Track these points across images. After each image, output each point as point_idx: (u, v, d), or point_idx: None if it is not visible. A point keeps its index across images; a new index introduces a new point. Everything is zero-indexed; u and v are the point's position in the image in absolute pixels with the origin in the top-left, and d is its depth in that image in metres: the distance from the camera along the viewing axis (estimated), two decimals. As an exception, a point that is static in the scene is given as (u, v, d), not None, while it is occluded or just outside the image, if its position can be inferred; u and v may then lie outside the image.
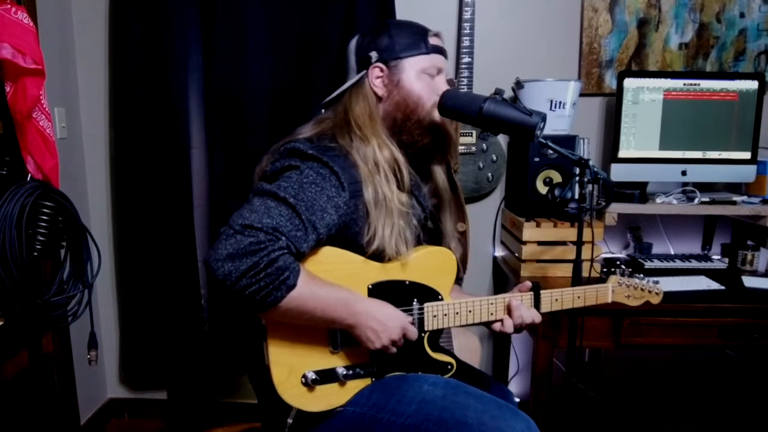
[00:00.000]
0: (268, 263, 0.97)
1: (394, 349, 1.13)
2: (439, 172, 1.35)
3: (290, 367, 1.11)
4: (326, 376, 1.14)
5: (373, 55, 1.22)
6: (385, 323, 1.11)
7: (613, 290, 1.35)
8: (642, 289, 1.38)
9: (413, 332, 1.16)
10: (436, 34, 1.27)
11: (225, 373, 2.20)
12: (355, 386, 1.18)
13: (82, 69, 2.13)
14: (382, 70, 1.23)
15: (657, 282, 1.41)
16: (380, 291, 1.17)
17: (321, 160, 1.10)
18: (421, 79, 1.22)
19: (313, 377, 1.12)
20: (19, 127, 1.54)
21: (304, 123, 1.26)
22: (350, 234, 1.15)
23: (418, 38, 1.23)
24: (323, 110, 1.31)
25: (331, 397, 1.15)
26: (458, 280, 1.49)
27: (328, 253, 1.13)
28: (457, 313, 1.22)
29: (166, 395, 2.34)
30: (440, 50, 1.26)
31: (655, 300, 1.41)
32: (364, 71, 1.23)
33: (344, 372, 1.15)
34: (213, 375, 2.18)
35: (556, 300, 1.30)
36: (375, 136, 1.18)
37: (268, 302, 1.00)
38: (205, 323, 2.13)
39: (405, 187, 1.20)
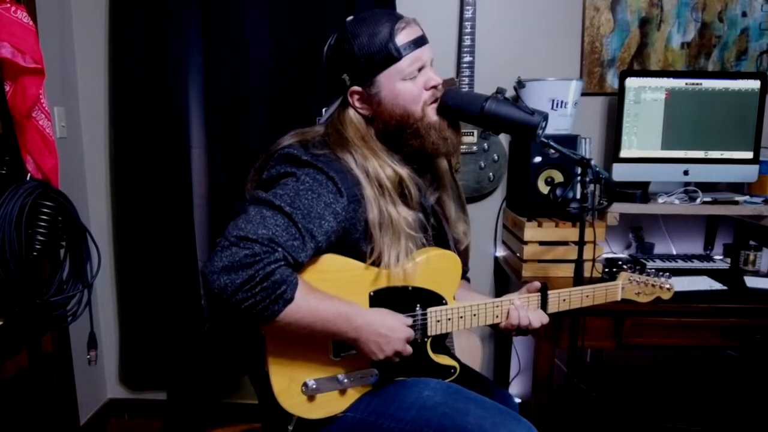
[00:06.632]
0: (264, 276, 0.94)
1: (398, 359, 1.12)
2: (439, 162, 1.30)
3: (290, 376, 1.10)
4: (327, 384, 1.12)
5: (346, 78, 1.14)
6: (388, 335, 1.08)
7: (623, 287, 1.32)
8: (653, 285, 1.35)
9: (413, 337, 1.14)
10: (404, 26, 1.11)
11: (225, 373, 2.20)
12: (356, 393, 1.16)
13: (82, 69, 2.13)
14: (360, 93, 1.15)
15: (669, 276, 1.37)
16: (382, 298, 1.14)
17: (316, 165, 1.07)
18: (404, 87, 1.13)
19: (314, 386, 1.11)
20: (18, 127, 1.54)
21: (304, 126, 1.22)
22: (351, 240, 1.11)
23: (385, 45, 1.10)
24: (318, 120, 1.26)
25: (331, 404, 1.14)
26: (464, 276, 1.47)
27: (328, 261, 1.10)
28: (461, 317, 1.20)
29: (166, 395, 2.34)
30: (415, 43, 1.12)
31: (667, 295, 1.37)
32: (344, 95, 1.16)
33: (345, 379, 1.13)
34: (213, 375, 2.18)
35: (564, 300, 1.27)
36: (374, 156, 1.13)
37: (266, 316, 0.97)
38: (205, 323, 2.13)
39: (413, 202, 1.16)
